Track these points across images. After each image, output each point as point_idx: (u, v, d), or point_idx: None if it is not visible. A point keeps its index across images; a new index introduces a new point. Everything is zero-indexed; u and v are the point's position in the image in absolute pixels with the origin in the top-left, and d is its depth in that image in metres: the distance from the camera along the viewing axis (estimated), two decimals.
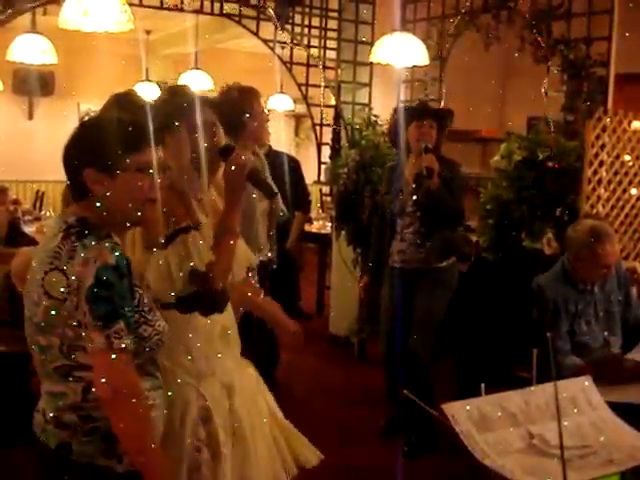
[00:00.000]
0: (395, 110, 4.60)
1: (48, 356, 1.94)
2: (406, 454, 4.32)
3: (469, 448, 1.46)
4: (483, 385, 1.58)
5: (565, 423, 1.48)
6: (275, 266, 4.23)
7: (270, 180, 3.81)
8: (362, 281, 4.83)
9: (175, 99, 2.54)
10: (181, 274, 2.34)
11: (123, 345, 1.85)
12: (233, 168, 2.42)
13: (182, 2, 5.55)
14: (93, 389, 1.88)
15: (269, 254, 3.99)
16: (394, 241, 4.44)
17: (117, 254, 1.89)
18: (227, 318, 2.60)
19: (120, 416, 1.86)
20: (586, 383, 1.71)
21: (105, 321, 1.84)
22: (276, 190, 2.86)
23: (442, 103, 6.04)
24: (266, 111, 4.00)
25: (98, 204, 1.96)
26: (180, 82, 8.57)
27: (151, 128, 2.08)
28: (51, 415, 1.96)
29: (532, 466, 1.47)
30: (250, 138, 3.75)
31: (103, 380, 1.84)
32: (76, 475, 1.94)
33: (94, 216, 1.97)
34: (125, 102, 2.86)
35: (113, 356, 1.84)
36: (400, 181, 4.39)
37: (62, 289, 1.87)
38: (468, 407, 1.52)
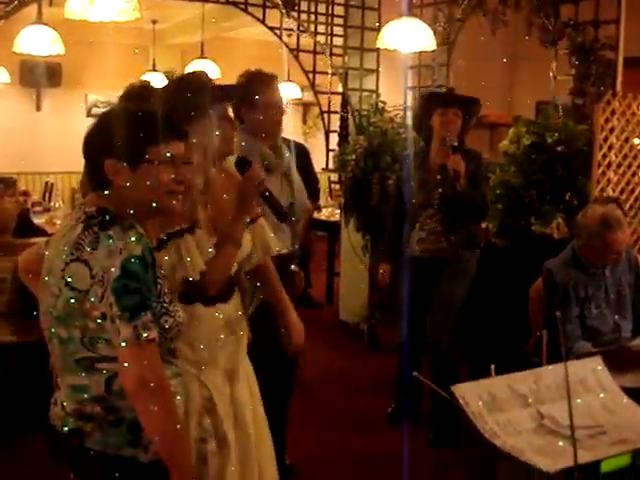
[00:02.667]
0: (421, 96, 4.53)
1: (69, 349, 1.91)
2: (431, 442, 4.33)
3: (479, 428, 1.47)
4: (493, 366, 1.59)
5: (577, 402, 1.48)
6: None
7: (292, 172, 3.74)
8: (383, 268, 4.64)
9: (193, 90, 2.49)
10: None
11: (151, 336, 1.83)
12: (249, 182, 2.46)
13: None
14: (116, 380, 1.87)
15: (291, 248, 3.90)
16: (414, 230, 4.36)
17: (143, 245, 1.87)
18: (233, 306, 2.59)
19: (148, 407, 1.84)
20: (596, 364, 1.71)
21: (132, 313, 1.81)
22: (289, 214, 2.84)
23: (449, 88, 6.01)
24: (284, 101, 3.68)
25: (119, 195, 1.94)
26: (187, 71, 8.57)
27: (174, 119, 2.07)
28: (73, 407, 1.94)
29: (542, 446, 1.47)
30: (256, 129, 3.47)
31: (131, 372, 1.82)
32: (101, 466, 1.93)
33: (114, 206, 1.94)
34: (146, 93, 2.86)
35: (141, 348, 1.82)
36: (423, 171, 4.32)
37: (85, 280, 1.85)
38: (478, 388, 1.52)
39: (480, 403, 1.50)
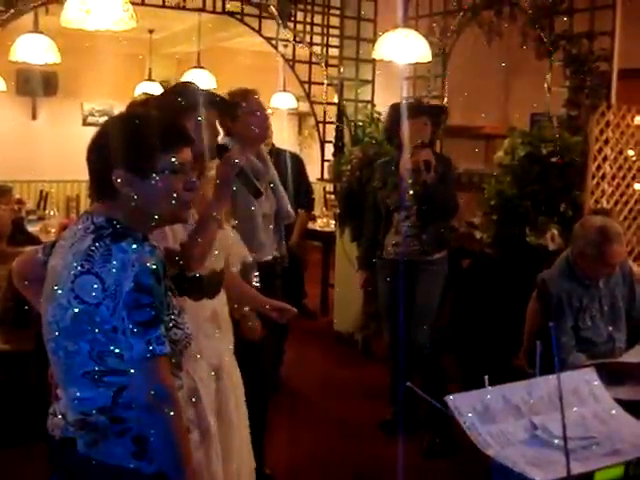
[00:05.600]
0: (391, 107, 4.65)
1: (76, 361, 1.87)
2: (425, 454, 4.33)
3: (472, 439, 1.46)
4: (486, 377, 1.59)
5: (571, 413, 1.48)
6: (286, 265, 4.23)
7: (276, 180, 3.88)
8: (362, 276, 4.82)
9: (185, 96, 2.62)
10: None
11: (163, 351, 1.80)
12: (226, 163, 2.62)
13: (184, 0, 5.56)
14: (124, 393, 1.84)
15: (276, 253, 3.97)
16: (388, 234, 4.51)
17: (156, 257, 1.83)
18: (219, 303, 2.70)
19: (157, 423, 1.82)
20: (589, 375, 1.71)
21: (145, 327, 1.78)
22: (262, 190, 2.96)
23: (445, 99, 6.04)
24: (268, 110, 3.98)
25: (127, 205, 1.89)
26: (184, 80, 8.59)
27: (183, 127, 2.05)
28: (76, 418, 1.90)
29: (535, 457, 1.47)
30: (241, 138, 3.68)
31: (144, 386, 1.80)
32: (104, 477, 1.89)
33: (123, 216, 1.90)
34: (151, 102, 2.89)
35: (154, 362, 1.79)
36: (396, 176, 4.44)
37: (97, 293, 1.80)
38: (471, 399, 1.52)
39: (473, 414, 1.50)
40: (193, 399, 2.46)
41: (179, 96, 2.63)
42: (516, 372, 3.38)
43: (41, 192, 9.77)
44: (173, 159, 1.92)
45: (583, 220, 3.69)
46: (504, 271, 4.68)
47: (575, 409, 1.60)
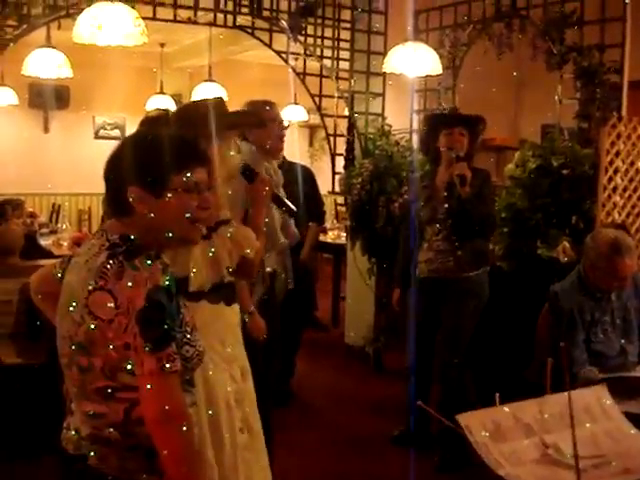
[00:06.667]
0: (425, 117, 4.56)
1: (88, 377, 1.88)
2: (437, 469, 4.29)
3: (483, 458, 1.45)
4: (498, 395, 1.57)
5: (582, 431, 1.47)
6: (290, 287, 4.22)
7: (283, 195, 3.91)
8: (395, 294, 4.64)
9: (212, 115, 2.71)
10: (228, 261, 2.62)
11: (174, 368, 1.80)
12: (261, 185, 2.86)
13: (195, 15, 5.59)
14: (136, 409, 1.84)
15: (276, 267, 3.98)
16: (421, 250, 4.36)
17: (168, 275, 1.83)
18: (235, 312, 2.81)
19: (167, 437, 1.81)
20: (601, 392, 1.70)
21: (157, 344, 1.78)
22: (295, 209, 3.07)
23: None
24: (284, 123, 3.92)
25: (141, 222, 1.91)
26: (194, 94, 8.63)
27: (198, 145, 2.05)
28: (88, 432, 1.91)
29: (546, 476, 1.46)
30: (262, 145, 3.69)
31: (152, 403, 1.80)
32: None
33: (137, 234, 1.91)
34: (164, 120, 2.93)
35: (164, 379, 1.79)
36: (430, 189, 4.34)
37: (109, 310, 1.80)
38: (482, 417, 1.51)
39: (484, 432, 1.48)
40: (238, 400, 2.64)
41: (196, 115, 2.69)
42: (528, 386, 3.35)
43: (53, 205, 9.82)
44: (188, 178, 1.93)
45: (594, 233, 3.68)
46: (516, 284, 4.65)
47: (586, 427, 1.59)
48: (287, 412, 4.89)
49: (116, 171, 1.96)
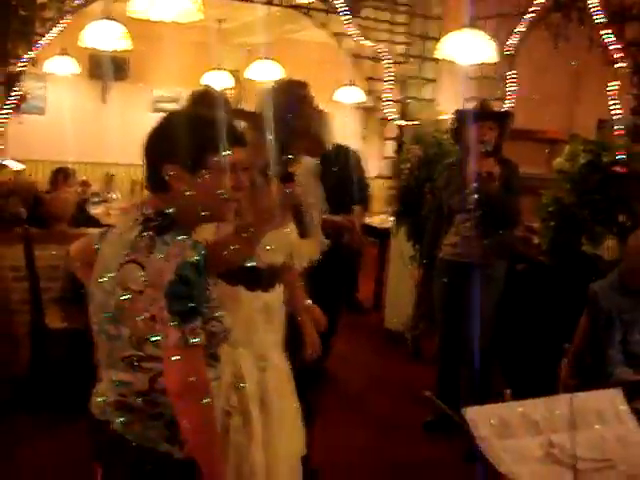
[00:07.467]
0: (457, 111, 4.72)
1: (117, 345, 1.94)
2: (466, 457, 4.30)
3: (485, 454, 1.46)
4: (509, 391, 1.58)
5: (591, 433, 1.46)
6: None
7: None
8: (418, 274, 4.94)
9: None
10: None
11: (198, 342, 1.84)
12: (287, 198, 2.52)
13: None
14: (160, 379, 1.89)
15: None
16: (448, 234, 4.56)
17: (198, 251, 1.88)
18: (274, 297, 2.74)
19: (188, 411, 1.86)
20: (616, 396, 1.68)
21: (183, 318, 1.82)
22: (309, 233, 2.90)
23: (509, 102, 5.97)
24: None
25: (176, 199, 1.95)
26: (251, 71, 8.67)
27: (236, 127, 2.08)
28: (114, 399, 1.97)
29: (545, 475, 1.46)
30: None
31: (175, 375, 1.84)
32: (137, 458, 1.95)
33: (171, 210, 1.95)
34: (208, 99, 2.93)
35: (187, 352, 1.83)
36: (460, 178, 4.47)
37: (139, 282, 1.86)
38: (490, 412, 1.52)
39: (490, 428, 1.49)
40: (237, 386, 2.55)
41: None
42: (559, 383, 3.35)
43: (107, 174, 9.96)
44: (224, 158, 1.96)
45: (637, 232, 3.62)
46: (558, 279, 4.60)
47: (596, 430, 1.58)
48: (322, 392, 4.93)
49: (154, 148, 2.00)
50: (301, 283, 3.03)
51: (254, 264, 2.59)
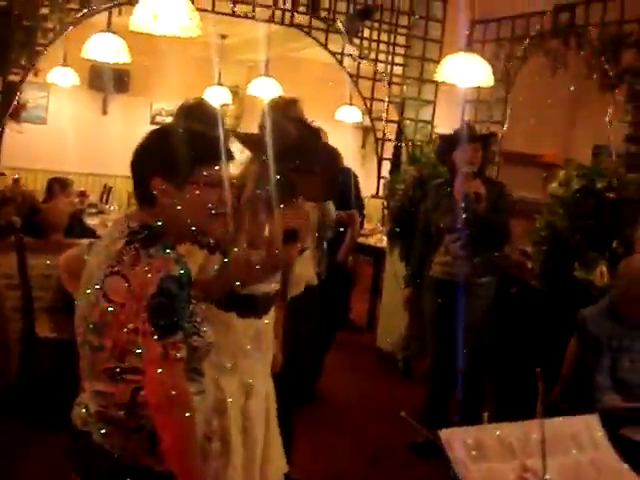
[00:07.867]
0: (441, 136, 4.89)
1: (99, 357, 1.95)
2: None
3: (458, 475, 1.46)
4: (486, 414, 1.58)
5: (566, 458, 1.47)
6: (323, 277, 4.24)
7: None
8: (406, 294, 4.90)
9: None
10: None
11: (179, 356, 1.86)
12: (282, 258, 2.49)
13: (253, 11, 5.64)
14: (142, 392, 1.90)
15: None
16: (437, 253, 4.61)
17: (181, 264, 1.89)
18: (265, 324, 2.68)
19: (167, 424, 1.87)
20: (592, 422, 1.69)
21: (164, 331, 1.84)
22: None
23: (506, 125, 6.00)
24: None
25: (163, 213, 1.96)
26: (251, 88, 8.71)
27: (224, 141, 2.07)
28: (96, 410, 1.97)
29: None
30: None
31: (155, 388, 1.85)
32: (117, 470, 1.95)
33: (157, 224, 1.97)
34: (198, 113, 2.93)
35: (168, 366, 1.84)
36: (449, 198, 4.55)
37: (122, 294, 1.87)
38: (465, 434, 1.52)
39: (465, 449, 1.49)
40: (220, 411, 2.50)
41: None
42: (550, 407, 3.32)
43: (105, 186, 9.98)
44: (210, 172, 1.98)
45: (628, 259, 3.63)
46: (549, 303, 4.61)
47: (571, 455, 1.59)
48: (311, 410, 4.92)
49: (142, 162, 2.02)
50: (281, 319, 2.97)
51: (251, 293, 2.56)
